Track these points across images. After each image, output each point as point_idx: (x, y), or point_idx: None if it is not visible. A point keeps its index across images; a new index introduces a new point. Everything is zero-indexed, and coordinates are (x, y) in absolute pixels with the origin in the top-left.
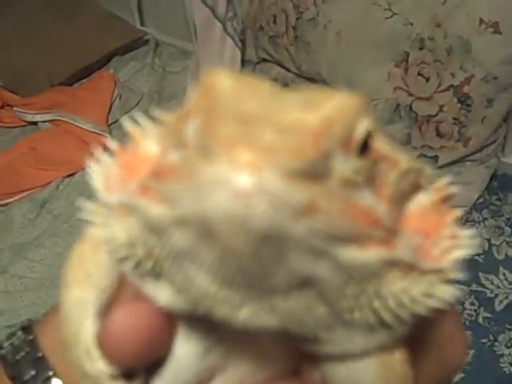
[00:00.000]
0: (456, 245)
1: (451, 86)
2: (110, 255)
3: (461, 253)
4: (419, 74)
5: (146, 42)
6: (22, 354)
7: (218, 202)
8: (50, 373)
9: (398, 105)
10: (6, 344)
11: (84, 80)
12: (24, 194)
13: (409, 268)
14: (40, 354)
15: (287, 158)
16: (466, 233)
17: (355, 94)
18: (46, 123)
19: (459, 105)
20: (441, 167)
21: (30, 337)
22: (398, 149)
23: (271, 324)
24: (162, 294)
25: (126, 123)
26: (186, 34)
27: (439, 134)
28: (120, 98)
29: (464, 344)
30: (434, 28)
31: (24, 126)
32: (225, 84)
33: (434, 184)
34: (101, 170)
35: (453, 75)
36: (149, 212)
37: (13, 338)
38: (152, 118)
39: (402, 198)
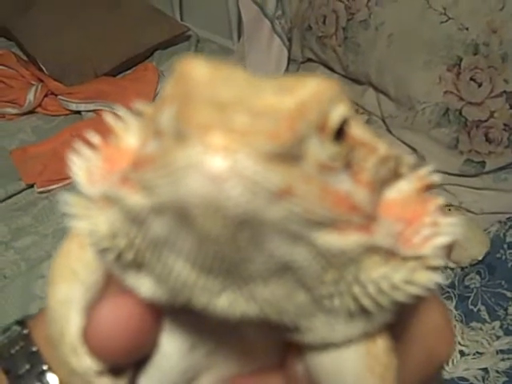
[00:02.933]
0: (437, 232)
1: (504, 92)
2: (93, 247)
3: (441, 240)
4: (471, 79)
5: (188, 37)
6: (17, 348)
7: (192, 186)
8: (45, 367)
9: (448, 109)
10: (0, 338)
11: (128, 71)
12: (68, 181)
13: (390, 255)
14: (34, 349)
15: (262, 141)
16: (448, 220)
17: (331, 80)
18: (90, 113)
19: (511, 111)
20: (487, 173)
21: (25, 331)
22: (377, 136)
23: (251, 312)
24: (143, 286)
25: (108, 118)
26: (226, 31)
27: (488, 140)
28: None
29: (450, 335)
30: (489, 34)
31: (67, 114)
32: (199, 71)
33: (417, 172)
34: (83, 164)
35: (506, 81)
36: (128, 202)
37: (7, 333)
38: (134, 111)
39: (381, 185)
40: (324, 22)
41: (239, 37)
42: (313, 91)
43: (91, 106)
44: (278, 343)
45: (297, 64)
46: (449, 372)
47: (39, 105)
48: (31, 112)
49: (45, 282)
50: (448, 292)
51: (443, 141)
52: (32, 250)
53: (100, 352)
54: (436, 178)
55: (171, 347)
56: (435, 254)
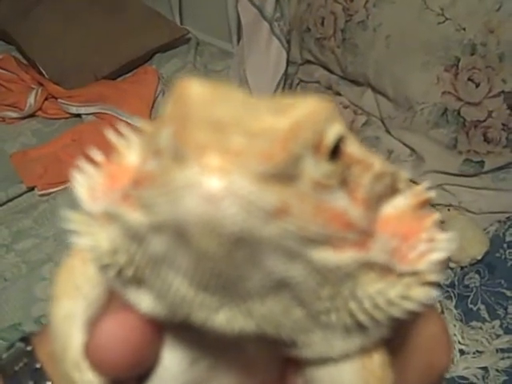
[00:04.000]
0: (433, 248)
1: (502, 92)
2: (95, 263)
3: (437, 255)
4: (469, 80)
5: (187, 40)
6: (21, 364)
7: (189, 205)
8: (48, 383)
9: (446, 109)
10: (4, 355)
11: (128, 74)
12: (68, 184)
13: (386, 271)
14: (38, 365)
15: (257, 162)
16: (444, 236)
17: (325, 100)
18: (90, 116)
19: (509, 111)
20: (486, 172)
21: (28, 348)
22: (371, 153)
23: (249, 327)
24: (143, 301)
25: (110, 135)
26: (226, 34)
27: (486, 140)
28: (163, 93)
29: (449, 347)
30: (487, 34)
31: (67, 118)
32: (197, 92)
33: (413, 188)
34: (85, 181)
35: (504, 81)
36: (128, 219)
37: (11, 349)
38: (136, 129)
39: (377, 201)
40: (322, 24)
41: (239, 40)
42: (308, 112)
43: (91, 109)
44: (277, 358)
45: (296, 66)
46: (449, 371)
47: (39, 108)
48: (31, 115)
49: (45, 284)
50: (448, 291)
51: (442, 141)
52: (32, 252)
53: (102, 367)
54: (432, 194)
55: (173, 361)
56: (431, 269)
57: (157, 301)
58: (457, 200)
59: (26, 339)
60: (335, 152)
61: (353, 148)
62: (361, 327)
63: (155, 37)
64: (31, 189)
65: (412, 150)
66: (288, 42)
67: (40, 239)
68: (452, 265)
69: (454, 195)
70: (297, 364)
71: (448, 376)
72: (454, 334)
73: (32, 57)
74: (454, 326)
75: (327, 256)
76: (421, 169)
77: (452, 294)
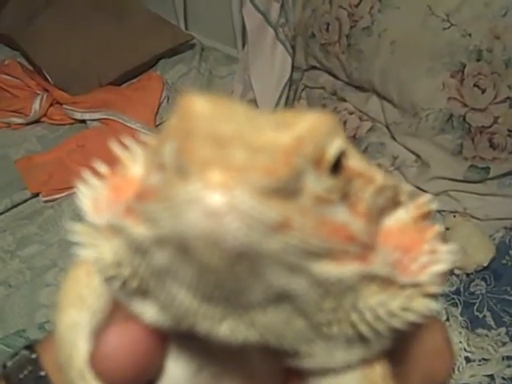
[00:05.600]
0: (435, 259)
1: (508, 97)
2: (99, 275)
3: (439, 267)
4: (475, 85)
5: (192, 46)
6: (25, 372)
7: (192, 220)
8: None
9: (452, 115)
10: (9, 363)
11: (132, 80)
12: (73, 190)
13: (387, 283)
14: (42, 373)
15: (259, 177)
16: (446, 248)
17: (327, 115)
18: (95, 122)
19: None
20: (491, 178)
21: (33, 355)
22: (373, 166)
23: (252, 338)
24: (148, 312)
25: (115, 147)
26: (231, 39)
27: (492, 146)
28: (168, 99)
29: (451, 357)
30: (492, 40)
31: (72, 123)
32: (201, 107)
33: (415, 200)
34: (90, 193)
35: (510, 87)
36: (132, 232)
37: (16, 357)
38: (140, 141)
39: (378, 214)
40: (327, 30)
41: (243, 45)
42: (309, 127)
43: (96, 115)
44: (280, 368)
45: (300, 72)
46: (455, 379)
47: (44, 114)
48: (36, 121)
49: (50, 290)
50: (453, 298)
51: (447, 147)
52: (37, 258)
53: (106, 377)
54: (433, 207)
55: (177, 371)
56: (432, 281)
57: (161, 312)
58: (462, 206)
59: (30, 347)
60: (336, 166)
61: (354, 162)
62: (362, 338)
63: (160, 42)
64: (36, 195)
65: (417, 156)
66: (293, 47)
67: (44, 245)
68: (458, 271)
69: (460, 201)
70: (299, 374)
71: None
72: (460, 342)
73: (37, 63)
74: (460, 333)
75: (329, 269)
76: (426, 175)
77: (458, 301)
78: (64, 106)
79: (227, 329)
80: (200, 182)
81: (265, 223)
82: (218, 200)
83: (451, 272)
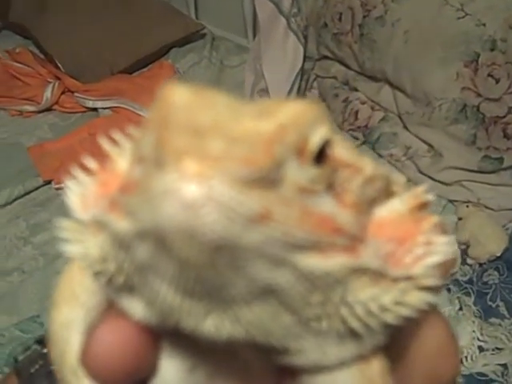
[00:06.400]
0: (430, 251)
1: None
2: (88, 271)
3: (433, 259)
4: (489, 75)
5: (203, 35)
6: (36, 367)
7: (168, 213)
8: None
9: (465, 105)
10: (21, 357)
11: (144, 69)
12: None
13: (379, 276)
14: (53, 367)
15: (237, 167)
16: (441, 239)
17: (311, 103)
18: (106, 110)
19: None
20: (505, 169)
21: (44, 350)
22: (362, 156)
23: (237, 334)
24: (136, 308)
25: (103, 142)
26: (241, 29)
27: (506, 136)
28: None
29: (455, 356)
30: (507, 30)
31: (84, 112)
32: (180, 97)
33: (410, 191)
34: (78, 189)
35: None
36: (114, 227)
37: (28, 352)
38: (128, 135)
39: (368, 205)
40: (340, 19)
41: (254, 35)
42: (291, 115)
43: (108, 104)
44: (273, 366)
45: (312, 61)
46: (468, 367)
47: (56, 102)
48: (48, 109)
49: None
50: (466, 288)
51: (461, 137)
52: (50, 245)
53: (97, 375)
54: (430, 197)
55: (171, 369)
56: (427, 273)
57: (147, 308)
58: (475, 197)
59: (41, 341)
60: (321, 156)
61: (341, 151)
62: (354, 334)
63: (171, 31)
64: (48, 182)
65: (430, 146)
66: (305, 37)
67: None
68: (471, 261)
69: (473, 192)
70: (293, 372)
71: (467, 372)
72: (473, 331)
73: (49, 51)
74: (473, 322)
75: (314, 262)
76: (439, 165)
77: (471, 291)
78: (75, 94)
79: (212, 325)
80: (175, 173)
81: (244, 215)
82: (194, 191)
83: (464, 262)
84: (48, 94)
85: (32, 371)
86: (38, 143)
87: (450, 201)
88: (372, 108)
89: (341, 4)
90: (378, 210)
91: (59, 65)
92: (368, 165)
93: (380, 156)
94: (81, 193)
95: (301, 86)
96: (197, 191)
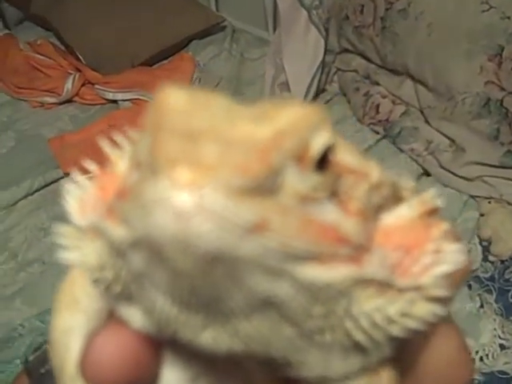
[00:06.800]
0: (439, 260)
1: None
2: (88, 277)
3: (443, 268)
4: None
5: (223, 28)
6: (47, 367)
7: (160, 222)
8: None
9: (489, 99)
10: (31, 358)
11: (164, 61)
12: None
13: (385, 286)
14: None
15: (232, 175)
16: (452, 247)
17: (312, 107)
18: (126, 102)
19: None
20: None
21: None
22: (368, 161)
23: (236, 347)
24: (134, 317)
25: (104, 145)
26: (262, 22)
27: None
28: (199, 81)
29: (466, 367)
30: None
31: (104, 103)
32: (175, 100)
33: (419, 197)
34: (77, 193)
35: None
36: (111, 234)
37: (38, 352)
38: (129, 137)
39: (375, 213)
40: (362, 12)
41: (275, 28)
42: (290, 119)
43: (128, 96)
44: (279, 377)
45: (333, 55)
46: (489, 366)
47: (76, 94)
48: (69, 101)
49: None
50: (488, 285)
51: (483, 132)
52: None
53: (96, 383)
54: (440, 202)
55: (173, 379)
56: (436, 283)
57: (145, 317)
58: (498, 192)
59: None
60: (323, 162)
61: (345, 157)
62: (360, 347)
63: (191, 23)
64: (68, 174)
65: (452, 140)
66: (326, 30)
67: None
68: (492, 258)
69: (495, 187)
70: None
71: (488, 371)
72: (494, 329)
73: (70, 43)
74: (494, 320)
75: (316, 273)
76: (461, 160)
77: (492, 288)
78: (96, 86)
79: (209, 337)
80: (167, 181)
81: (239, 225)
82: (186, 200)
83: (485, 258)
84: (69, 85)
85: (42, 371)
86: (59, 135)
87: (472, 196)
88: (393, 102)
89: None
90: (385, 217)
91: (80, 57)
92: (374, 170)
93: (401, 151)
94: (80, 197)
95: (321, 80)
96: (188, 200)
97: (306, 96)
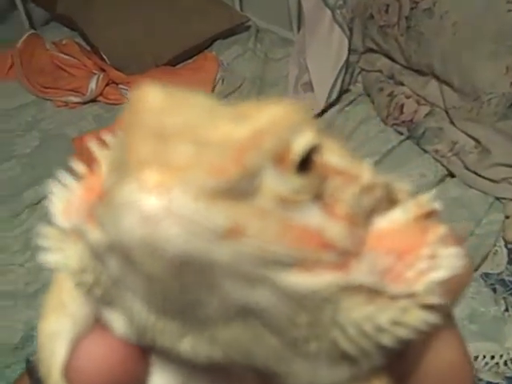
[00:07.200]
0: (435, 265)
1: None
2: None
3: (439, 274)
4: None
5: (247, 27)
6: None
7: (128, 226)
8: None
9: None
10: (32, 358)
11: (188, 61)
12: None
13: (376, 293)
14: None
15: (203, 176)
16: (448, 252)
17: (294, 106)
18: None
19: None
20: None
21: None
22: (360, 162)
23: (216, 356)
24: (116, 323)
25: (92, 145)
26: (286, 22)
27: None
28: (223, 81)
29: (468, 373)
30: None
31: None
32: (152, 100)
33: (415, 199)
34: (63, 194)
35: None
36: (89, 237)
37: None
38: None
39: (366, 217)
40: (386, 11)
41: (299, 28)
42: (270, 119)
43: None
44: None
45: (357, 54)
46: None
47: (101, 93)
48: (93, 100)
49: None
50: None
51: (509, 133)
52: None
53: None
54: (437, 205)
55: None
56: (430, 290)
57: (126, 323)
58: None
59: None
60: (306, 163)
61: (332, 159)
62: (348, 356)
63: (215, 23)
64: None
65: (477, 141)
66: (350, 29)
67: None
68: None
69: None
70: None
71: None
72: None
73: (94, 43)
74: None
75: (299, 280)
76: (486, 162)
77: None
78: (120, 86)
79: (188, 345)
80: (135, 183)
81: (210, 229)
82: (153, 203)
83: (511, 261)
84: (93, 85)
85: None
86: (83, 134)
87: (498, 198)
88: (418, 102)
89: None
90: (378, 221)
91: (104, 57)
92: (366, 172)
93: (425, 151)
94: (66, 198)
95: (345, 80)
96: (156, 203)
97: (329, 96)
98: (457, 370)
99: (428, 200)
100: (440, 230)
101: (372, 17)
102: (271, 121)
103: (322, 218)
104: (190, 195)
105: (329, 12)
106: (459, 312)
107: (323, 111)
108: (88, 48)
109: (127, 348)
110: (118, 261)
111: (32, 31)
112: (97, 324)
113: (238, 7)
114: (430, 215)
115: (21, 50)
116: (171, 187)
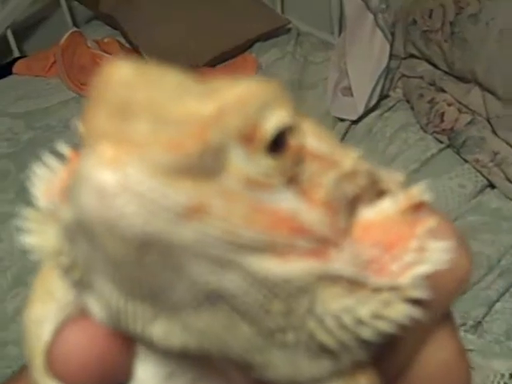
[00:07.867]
0: (422, 258)
1: None
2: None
3: (424, 268)
4: None
5: (288, 30)
6: None
7: (85, 201)
8: None
9: None
10: None
11: (227, 62)
12: None
13: (357, 285)
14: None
15: (162, 153)
16: (437, 245)
17: (267, 82)
18: None
19: None
20: None
21: None
22: (345, 149)
23: (190, 343)
24: (95, 308)
25: (78, 125)
26: (327, 25)
27: None
28: None
29: (464, 373)
30: None
31: None
32: (120, 74)
33: (405, 191)
34: (45, 176)
35: None
36: (62, 217)
37: None
38: None
39: (347, 205)
40: (430, 16)
41: (340, 32)
42: (238, 95)
43: None
44: (258, 379)
45: (398, 60)
46: None
47: None
48: None
49: None
50: None
51: None
52: None
53: (60, 376)
54: (427, 197)
55: (146, 374)
56: (415, 284)
57: (102, 308)
58: None
59: None
60: (278, 145)
61: (312, 142)
62: (327, 349)
63: (256, 25)
64: None
65: None
66: (392, 34)
67: None
68: None
69: None
70: None
71: None
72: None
73: (135, 42)
74: None
75: (270, 266)
76: None
77: None
78: None
79: (160, 331)
80: (92, 158)
81: (169, 207)
82: (107, 178)
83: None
84: None
85: None
86: None
87: None
88: (459, 110)
89: (432, 0)
90: (366, 211)
91: (144, 56)
92: (349, 159)
93: (465, 161)
94: (48, 180)
95: (385, 85)
96: (109, 178)
97: (368, 101)
98: (452, 370)
99: (419, 191)
100: (430, 222)
101: (415, 22)
102: (238, 97)
103: (296, 202)
104: (146, 171)
105: (371, 16)
106: (496, 328)
107: (362, 116)
108: (128, 46)
109: (110, 336)
110: (85, 241)
111: (74, 29)
112: (80, 311)
113: (279, 10)
114: (419, 207)
115: (63, 47)
116: (126, 162)
